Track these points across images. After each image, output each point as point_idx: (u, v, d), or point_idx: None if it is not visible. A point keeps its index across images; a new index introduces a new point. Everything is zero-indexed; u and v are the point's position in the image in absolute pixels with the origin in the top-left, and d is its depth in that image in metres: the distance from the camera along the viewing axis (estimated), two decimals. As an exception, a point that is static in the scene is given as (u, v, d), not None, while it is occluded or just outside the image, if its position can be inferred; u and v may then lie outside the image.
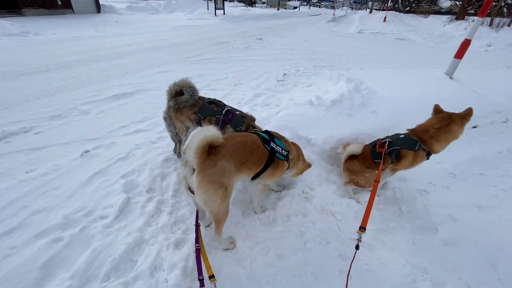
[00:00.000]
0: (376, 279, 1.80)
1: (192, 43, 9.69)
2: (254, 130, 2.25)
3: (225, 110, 2.40)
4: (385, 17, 19.00)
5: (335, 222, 2.25)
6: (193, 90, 2.43)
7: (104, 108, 4.10)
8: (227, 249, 1.91)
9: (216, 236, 1.82)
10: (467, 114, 2.17)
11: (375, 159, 2.38)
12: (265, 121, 3.60)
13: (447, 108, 3.88)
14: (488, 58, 9.50)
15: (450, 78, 4.65)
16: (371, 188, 2.44)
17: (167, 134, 3.34)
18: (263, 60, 7.71)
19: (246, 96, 4.85)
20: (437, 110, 2.36)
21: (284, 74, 6.39)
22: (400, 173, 2.58)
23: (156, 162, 2.79)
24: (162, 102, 4.40)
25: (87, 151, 2.95)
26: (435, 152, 2.24)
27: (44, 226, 1.96)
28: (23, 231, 1.93)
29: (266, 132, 2.09)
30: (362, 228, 1.67)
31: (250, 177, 1.89)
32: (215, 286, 1.45)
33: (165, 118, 2.60)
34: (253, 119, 2.50)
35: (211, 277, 1.48)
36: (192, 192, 1.63)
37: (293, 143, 2.29)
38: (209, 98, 2.52)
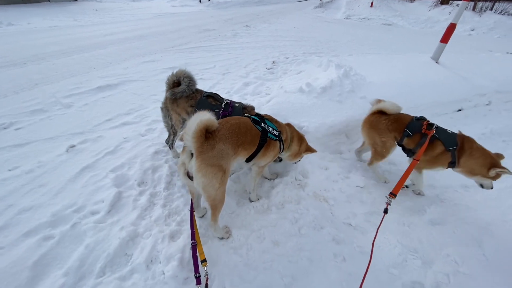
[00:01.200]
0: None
1: (177, 31, 9.37)
2: (245, 114, 2.21)
3: (224, 103, 2.34)
4: (372, 2, 18.93)
5: (328, 208, 2.29)
6: (190, 80, 2.38)
7: (88, 100, 3.95)
8: (222, 238, 1.92)
9: (212, 223, 1.82)
10: (497, 175, 2.02)
11: (408, 127, 2.25)
12: (256, 110, 3.57)
13: (433, 91, 3.97)
14: (471, 42, 9.68)
15: (436, 62, 4.72)
16: (377, 164, 2.51)
17: (156, 126, 3.29)
18: (251, 47, 7.56)
19: (236, 85, 4.78)
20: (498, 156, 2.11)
21: (273, 62, 6.31)
22: (391, 158, 2.63)
23: (146, 154, 2.73)
24: (148, 93, 4.31)
25: (73, 146, 2.85)
26: (458, 166, 2.15)
27: (32, 225, 1.90)
28: (11, 230, 1.87)
29: (257, 114, 2.12)
30: (393, 194, 1.82)
31: (246, 158, 1.91)
32: (205, 270, 1.46)
33: (162, 109, 2.56)
34: (253, 108, 2.45)
35: (203, 261, 1.49)
36: (190, 178, 1.63)
37: (288, 125, 2.30)
38: (207, 92, 2.46)
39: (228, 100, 2.39)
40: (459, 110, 4.07)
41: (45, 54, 6.04)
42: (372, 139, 2.46)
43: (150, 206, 2.17)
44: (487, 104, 4.30)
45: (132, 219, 2.00)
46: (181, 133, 1.69)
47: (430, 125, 2.23)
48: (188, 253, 1.77)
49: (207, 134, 1.56)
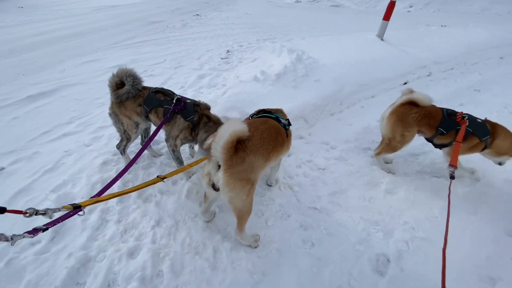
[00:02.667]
0: (336, 241, 1.90)
1: (120, 26, 8.57)
2: (262, 114, 1.99)
3: (175, 98, 2.15)
4: (320, -15, 19.22)
5: (294, 194, 2.29)
6: (134, 78, 2.18)
7: (18, 113, 3.43)
8: (249, 246, 1.81)
9: (238, 232, 1.72)
10: None
11: (441, 126, 2.20)
12: (212, 103, 3.42)
13: (381, 68, 4.15)
14: (411, 18, 10.39)
15: (381, 39, 4.95)
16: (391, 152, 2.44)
17: (102, 133, 2.99)
18: (203, 37, 7.22)
19: (190, 79, 4.53)
20: None
21: (228, 51, 6.10)
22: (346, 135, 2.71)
23: (93, 167, 2.45)
24: (92, 97, 3.89)
25: (2, 168, 2.46)
26: (490, 147, 2.21)
27: (-46, 271, 1.60)
28: None
29: (264, 111, 2.02)
30: (453, 166, 1.90)
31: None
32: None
33: (110, 114, 2.33)
34: (207, 107, 2.28)
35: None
36: (216, 189, 1.54)
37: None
38: (156, 88, 2.25)
39: (180, 96, 2.22)
40: (405, 83, 4.35)
41: (-43, 63, 5.12)
42: (394, 132, 2.31)
43: (103, 224, 1.96)
44: (428, 75, 4.66)
45: (82, 243, 1.78)
46: (209, 141, 1.52)
47: (462, 117, 2.18)
48: (150, 270, 1.63)
49: (237, 145, 1.43)
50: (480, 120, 2.22)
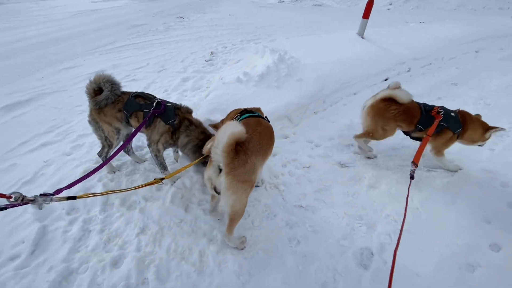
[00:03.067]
0: (322, 238, 1.93)
1: (101, 30, 8.39)
2: (251, 114, 2.01)
3: (155, 102, 2.12)
4: (302, -16, 19.41)
5: (279, 194, 2.31)
6: (112, 84, 2.14)
7: (-7, 124, 3.31)
8: (236, 248, 1.82)
9: (227, 234, 1.74)
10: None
11: (420, 123, 2.28)
12: (196, 106, 3.41)
13: (362, 65, 4.24)
14: (390, 16, 10.65)
15: (362, 37, 5.05)
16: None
17: (83, 141, 2.93)
18: (186, 40, 7.16)
19: (173, 82, 4.48)
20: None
21: (212, 53, 6.07)
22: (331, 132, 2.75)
23: (74, 177, 2.39)
24: (72, 104, 3.80)
25: (-23, 183, 2.37)
26: (462, 139, 2.34)
27: None
28: None
29: (246, 111, 2.03)
30: (414, 164, 1.97)
31: None
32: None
33: (89, 122, 2.29)
34: (189, 111, 2.26)
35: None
36: (217, 192, 1.55)
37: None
38: (136, 92, 2.21)
39: (160, 99, 2.19)
40: (386, 79, 4.45)
41: None
42: (374, 125, 2.39)
43: (85, 234, 1.91)
44: (407, 71, 4.79)
45: (63, 255, 1.74)
46: (208, 145, 1.53)
47: (438, 112, 2.27)
48: (135, 278, 1.61)
49: (237, 147, 1.42)
50: (453, 114, 2.31)
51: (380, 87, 4.29)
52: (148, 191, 2.23)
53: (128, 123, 2.22)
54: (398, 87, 2.35)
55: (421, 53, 5.07)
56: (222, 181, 1.45)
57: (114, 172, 2.47)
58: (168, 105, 2.16)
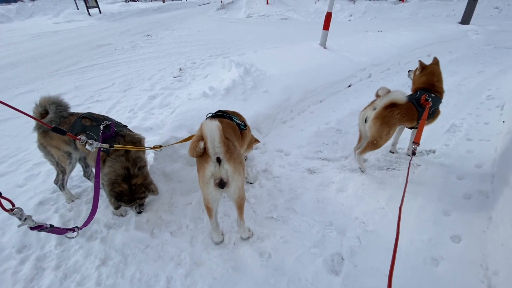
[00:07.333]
0: (293, 248, 1.91)
1: (62, 51, 8.07)
2: (217, 113, 2.20)
3: (103, 125, 1.97)
4: (267, 0, 20.21)
5: (250, 207, 2.28)
6: (57, 106, 2.04)
7: None
8: (248, 237, 1.95)
9: (242, 224, 1.89)
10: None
11: (419, 117, 2.37)
12: (159, 124, 3.34)
13: (325, 74, 4.42)
14: (351, 26, 11.35)
15: (324, 47, 5.30)
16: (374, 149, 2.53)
17: (39, 170, 2.75)
18: (154, 57, 7.10)
19: (140, 101, 4.38)
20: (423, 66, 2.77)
21: (180, 69, 6.05)
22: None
23: (27, 209, 2.19)
24: (28, 131, 3.52)
25: None
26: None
27: None
28: None
29: (221, 111, 2.27)
30: (416, 143, 2.25)
31: None
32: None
33: (38, 147, 2.15)
34: (135, 140, 2.05)
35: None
36: (222, 186, 1.59)
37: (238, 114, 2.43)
38: (83, 113, 2.10)
39: (110, 121, 2.08)
40: (349, 86, 4.67)
41: None
42: (379, 133, 2.37)
43: (38, 273, 1.74)
44: (368, 77, 5.07)
45: (11, 300, 1.57)
46: (201, 146, 1.55)
47: (426, 99, 2.41)
48: (93, 315, 1.48)
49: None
50: (433, 95, 2.52)
51: (344, 93, 4.50)
52: (111, 218, 2.10)
53: (75, 144, 2.08)
54: (387, 91, 2.38)
55: (380, 59, 5.40)
56: (228, 168, 1.57)
57: (72, 201, 2.31)
58: (116, 130, 2.02)
